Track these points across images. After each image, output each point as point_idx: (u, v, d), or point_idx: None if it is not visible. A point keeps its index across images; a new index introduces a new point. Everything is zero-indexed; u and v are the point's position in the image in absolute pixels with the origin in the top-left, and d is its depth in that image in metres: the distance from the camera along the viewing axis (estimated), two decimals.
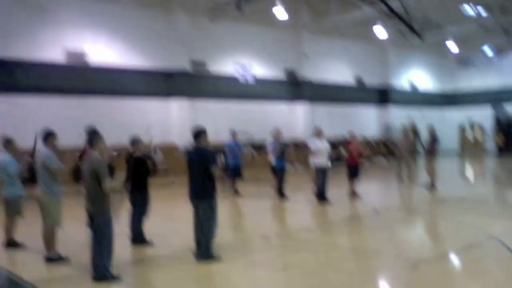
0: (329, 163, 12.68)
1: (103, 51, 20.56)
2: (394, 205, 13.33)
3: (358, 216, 11.05)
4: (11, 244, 8.25)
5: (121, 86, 20.91)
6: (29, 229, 8.53)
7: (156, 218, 9.08)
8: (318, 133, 12.73)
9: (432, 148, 15.30)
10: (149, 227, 8.49)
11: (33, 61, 18.55)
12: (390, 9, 20.50)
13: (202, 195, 7.14)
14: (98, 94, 20.19)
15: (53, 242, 7.32)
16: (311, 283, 6.13)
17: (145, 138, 10.06)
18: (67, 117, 18.43)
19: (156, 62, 22.09)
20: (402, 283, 6.10)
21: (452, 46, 31.45)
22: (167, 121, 22.06)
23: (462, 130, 36.52)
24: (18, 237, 8.37)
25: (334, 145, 13.53)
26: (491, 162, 29.08)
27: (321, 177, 12.51)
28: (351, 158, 13.51)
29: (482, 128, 35.75)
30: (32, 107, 18.31)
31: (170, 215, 11.42)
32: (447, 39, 31.11)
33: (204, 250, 7.14)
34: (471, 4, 27.43)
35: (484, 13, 27.59)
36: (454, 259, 6.98)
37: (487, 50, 30.10)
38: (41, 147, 7.54)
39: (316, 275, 6.44)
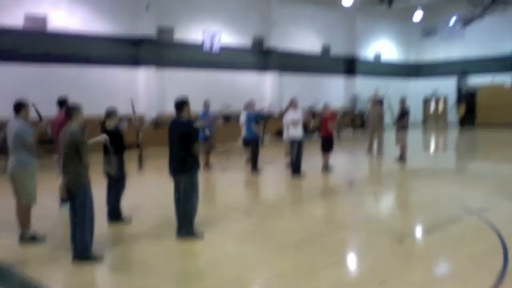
0: (303, 135, 12.59)
1: (66, 16, 19.66)
2: (368, 177, 13.40)
3: (334, 189, 11.02)
4: None
5: (84, 53, 20.12)
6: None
7: (133, 193, 8.81)
8: (294, 105, 12.56)
9: (403, 120, 15.39)
10: (127, 202, 8.22)
11: None
12: None
13: (183, 170, 6.89)
14: (60, 62, 19.38)
15: (28, 220, 6.95)
16: (296, 256, 6.06)
17: (130, 113, 9.71)
18: (26, 86, 17.60)
19: (122, 29, 21.34)
20: (391, 257, 6.07)
21: (418, 15, 31.61)
22: (134, 90, 21.45)
23: (426, 101, 37.01)
24: None
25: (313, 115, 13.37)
26: (454, 134, 29.68)
27: (295, 149, 12.39)
28: (325, 130, 13.44)
29: (446, 100, 36.34)
30: None
31: (148, 190, 11.14)
32: (414, 8, 31.23)
33: (186, 226, 6.95)
34: None
35: None
36: (438, 234, 7.00)
37: (453, 20, 30.33)
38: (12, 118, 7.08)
39: (299, 249, 6.38)
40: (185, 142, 6.81)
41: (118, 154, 7.75)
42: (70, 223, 6.05)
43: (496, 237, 6.74)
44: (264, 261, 5.94)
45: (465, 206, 8.65)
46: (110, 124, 7.82)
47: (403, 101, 15.75)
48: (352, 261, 6.04)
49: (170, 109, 21.79)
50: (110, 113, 7.89)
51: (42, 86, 17.87)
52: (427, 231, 7.10)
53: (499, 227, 7.17)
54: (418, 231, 7.04)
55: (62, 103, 8.74)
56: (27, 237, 6.86)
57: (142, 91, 21.71)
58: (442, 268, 5.78)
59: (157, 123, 21.43)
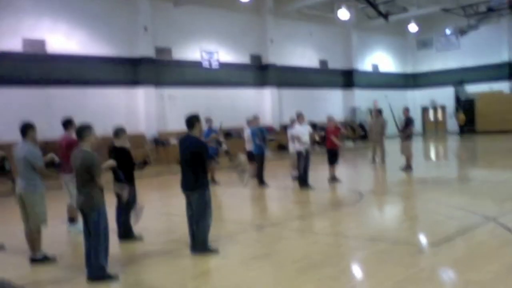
0: (310, 148, 12.48)
1: (64, 39, 19.70)
2: (376, 188, 13.26)
3: (344, 202, 10.87)
4: None
5: (83, 75, 20.11)
6: (7, 228, 7.97)
7: (144, 211, 8.63)
8: (300, 118, 12.48)
9: (408, 130, 15.31)
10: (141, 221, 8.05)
11: None
12: None
13: (196, 186, 6.74)
14: (59, 84, 19.33)
15: (39, 242, 6.78)
16: (319, 277, 5.87)
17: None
18: (27, 108, 17.61)
19: (120, 50, 21.37)
20: (413, 268, 5.91)
21: (413, 28, 31.80)
22: (133, 110, 21.41)
23: (424, 111, 37.03)
24: None
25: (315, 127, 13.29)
26: (455, 141, 29.63)
27: (303, 162, 12.26)
28: (330, 142, 13.36)
29: (444, 109, 36.38)
30: None
31: (158, 208, 10.95)
32: (409, 21, 31.46)
33: (201, 244, 6.78)
34: None
35: None
36: (459, 243, 6.85)
37: (448, 32, 30.52)
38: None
39: (320, 269, 6.19)
40: (197, 160, 6.68)
41: (127, 171, 7.58)
42: (84, 243, 5.88)
43: None
44: (285, 283, 5.62)
45: (480, 214, 8.51)
46: (119, 142, 7.68)
47: (407, 111, 15.71)
48: (377, 280, 5.71)
49: (170, 128, 21.98)
50: (119, 132, 7.76)
51: (42, 109, 17.83)
52: (447, 240, 6.93)
53: None
54: (439, 241, 6.86)
55: (67, 123, 8.58)
56: (38, 259, 6.68)
57: (142, 111, 21.64)
58: (469, 281, 5.58)
59: (157, 141, 21.29)
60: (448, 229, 7.57)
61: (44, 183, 6.83)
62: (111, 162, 6.61)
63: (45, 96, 18.73)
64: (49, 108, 18.02)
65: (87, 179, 5.72)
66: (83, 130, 5.88)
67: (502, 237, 7.07)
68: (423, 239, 7.14)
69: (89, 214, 5.77)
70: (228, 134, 21.43)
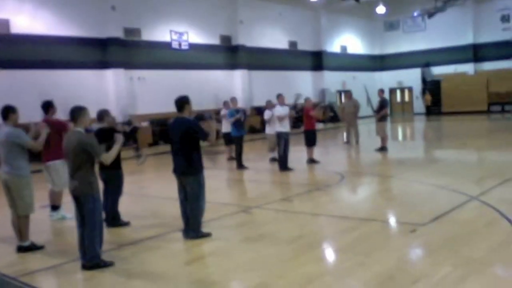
0: (289, 129, 12.44)
1: (29, 19, 18.98)
2: (355, 169, 13.34)
3: (326, 183, 10.88)
4: None
5: (50, 56, 19.49)
6: None
7: (131, 196, 8.50)
8: (280, 99, 12.40)
9: (382, 111, 15.44)
10: (124, 206, 7.88)
11: None
12: None
13: (190, 170, 6.59)
14: (25, 66, 18.67)
15: (26, 229, 6.53)
16: (317, 258, 5.87)
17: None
18: None
19: (88, 30, 20.77)
20: (409, 247, 5.97)
21: (381, 10, 32.04)
22: (103, 92, 20.90)
23: (391, 92, 37.49)
24: None
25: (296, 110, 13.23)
26: (423, 122, 30.16)
27: (282, 143, 12.22)
28: (308, 124, 13.34)
29: (410, 90, 36.93)
30: None
31: (136, 191, 10.73)
32: (377, 3, 31.66)
33: (194, 228, 6.66)
34: None
35: None
36: (447, 221, 6.94)
37: (416, 14, 30.86)
38: None
39: (317, 249, 6.19)
40: (189, 142, 6.53)
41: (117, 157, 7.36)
42: (78, 231, 5.70)
43: (498, 215, 6.75)
44: (286, 264, 5.53)
45: (462, 192, 8.66)
46: (110, 123, 7.49)
47: (381, 92, 15.85)
48: (377, 259, 5.68)
49: (141, 111, 21.60)
50: (103, 114, 7.56)
51: (7, 92, 17.12)
52: (435, 219, 7.01)
53: (502, 209, 7.19)
54: (428, 220, 6.94)
55: (47, 106, 8.25)
56: (26, 246, 6.45)
57: (112, 93, 21.17)
58: (467, 258, 5.64)
59: (129, 124, 20.87)
60: (434, 208, 7.66)
61: (29, 167, 6.57)
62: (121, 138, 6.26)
63: (10, 79, 18.06)
64: (15, 91, 17.37)
65: (82, 162, 5.51)
66: (76, 112, 5.65)
67: (487, 215, 7.19)
68: (412, 218, 7.19)
69: (84, 200, 5.57)
70: (201, 116, 21.19)
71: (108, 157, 5.79)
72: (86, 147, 5.47)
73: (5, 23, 18.20)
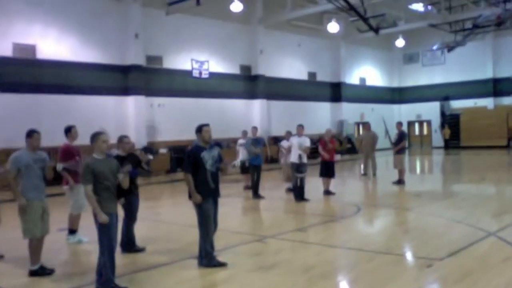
0: (305, 160, 12.43)
1: (54, 44, 19.48)
2: (372, 201, 13.28)
3: (344, 214, 10.84)
4: None
5: (73, 81, 19.89)
6: (7, 236, 7.77)
7: (147, 222, 8.55)
8: (300, 130, 12.43)
9: (401, 143, 15.40)
10: (140, 232, 7.94)
11: None
12: (350, 6, 20.49)
13: (190, 197, 6.68)
14: (48, 90, 19.08)
15: (35, 252, 6.54)
16: (331, 284, 5.85)
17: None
18: (16, 114, 17.40)
19: (110, 57, 21.21)
20: (423, 281, 5.91)
21: (400, 42, 32.23)
22: (123, 118, 21.18)
23: (410, 125, 37.37)
24: None
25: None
26: (441, 157, 29.92)
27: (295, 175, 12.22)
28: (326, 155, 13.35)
29: (429, 123, 36.79)
30: None
31: (153, 216, 10.80)
32: (396, 36, 31.89)
33: (204, 256, 6.65)
34: (420, 2, 28.21)
35: (432, 10, 28.44)
36: (463, 256, 6.86)
37: (435, 47, 30.94)
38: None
39: (330, 277, 6.17)
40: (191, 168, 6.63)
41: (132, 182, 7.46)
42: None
43: None
44: None
45: (480, 228, 8.56)
46: (125, 149, 7.60)
47: (400, 125, 15.85)
48: None
49: (160, 137, 21.83)
50: (120, 140, 7.69)
51: (30, 115, 17.51)
52: (452, 254, 6.94)
53: None
54: (444, 254, 6.87)
55: (66, 131, 8.47)
56: (33, 271, 6.47)
57: (132, 119, 21.44)
58: None
59: (147, 151, 21.08)
60: (451, 243, 7.59)
61: (37, 191, 6.51)
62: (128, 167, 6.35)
63: (34, 102, 18.46)
64: (38, 114, 17.74)
65: (95, 187, 5.64)
66: (91, 138, 5.80)
67: (505, 251, 7.11)
68: (428, 252, 7.12)
69: (96, 222, 5.68)
70: (217, 144, 21.34)
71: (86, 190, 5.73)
72: (93, 172, 5.62)
73: (31, 48, 18.70)
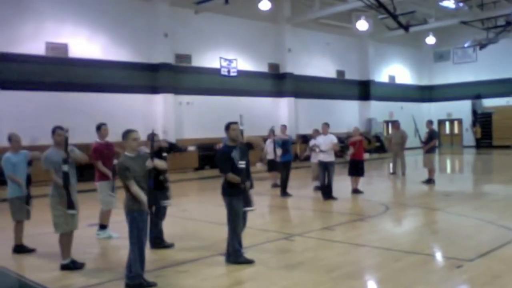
0: (333, 159, 12.39)
1: (85, 43, 19.85)
2: (401, 200, 13.17)
3: (371, 213, 10.75)
4: (20, 249, 7.65)
5: (103, 79, 20.24)
6: (42, 230, 7.95)
7: (175, 219, 8.64)
8: (324, 128, 12.42)
9: (431, 142, 15.21)
10: (168, 228, 8.04)
11: (13, 54, 17.71)
12: (379, 3, 20.32)
13: (222, 192, 6.79)
14: (80, 88, 19.45)
15: (66, 247, 6.71)
16: (358, 284, 5.83)
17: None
18: (48, 111, 17.73)
19: (140, 55, 21.48)
20: (453, 282, 5.85)
21: (431, 40, 31.76)
22: (151, 116, 21.42)
23: (440, 124, 36.83)
24: (29, 241, 7.80)
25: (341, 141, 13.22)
26: (472, 156, 29.42)
27: (326, 173, 12.19)
28: (355, 154, 13.28)
29: (460, 122, 36.19)
30: (12, 101, 17.50)
31: (181, 214, 10.90)
32: (426, 33, 31.44)
33: (232, 253, 6.71)
34: None
35: (463, 7, 27.95)
36: (494, 258, 6.75)
37: (467, 45, 30.40)
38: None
39: (357, 276, 6.16)
40: (221, 167, 6.76)
41: (158, 175, 7.52)
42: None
43: None
44: None
45: (510, 229, 8.41)
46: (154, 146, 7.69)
47: (430, 123, 15.66)
48: None
49: (188, 135, 22.03)
50: (151, 136, 7.77)
51: (61, 112, 17.84)
52: (482, 255, 6.83)
53: None
54: (473, 256, 6.77)
55: (96, 128, 8.65)
56: (64, 265, 6.64)
57: (160, 117, 21.66)
58: None
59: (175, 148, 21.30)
60: (481, 244, 7.48)
61: (57, 189, 6.61)
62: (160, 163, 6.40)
63: (65, 100, 18.84)
64: (69, 112, 18.07)
65: (124, 183, 5.75)
66: (122, 135, 5.90)
67: None
68: (457, 253, 7.03)
69: (126, 217, 5.79)
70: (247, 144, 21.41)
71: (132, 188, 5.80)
72: (117, 171, 5.71)
73: (64, 47, 19.08)
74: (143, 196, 5.69)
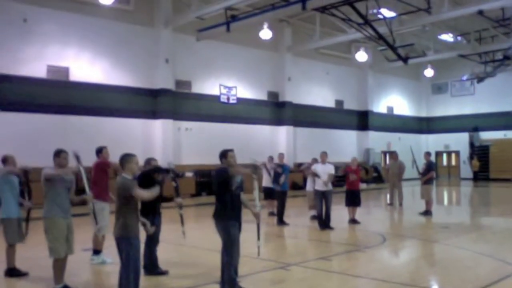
0: (330, 188, 12.33)
1: (87, 67, 19.97)
2: (398, 231, 13.09)
3: (369, 243, 10.67)
4: (13, 272, 7.54)
5: (103, 103, 20.29)
6: (34, 254, 7.86)
7: (170, 245, 8.56)
8: (324, 158, 12.40)
9: (429, 174, 15.19)
10: (163, 254, 7.95)
11: (15, 76, 17.80)
12: (379, 35, 20.55)
13: (216, 217, 6.67)
14: (80, 112, 19.48)
15: (58, 271, 6.62)
16: None
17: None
18: (48, 134, 17.76)
19: (140, 80, 21.61)
20: None
21: (429, 72, 32.07)
22: (150, 141, 21.44)
23: (438, 155, 36.88)
24: (21, 264, 7.69)
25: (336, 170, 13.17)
26: (470, 188, 29.38)
27: (320, 202, 12.13)
28: (352, 183, 13.25)
29: (457, 154, 36.26)
30: (12, 123, 17.50)
31: (177, 240, 10.79)
32: (425, 66, 31.77)
33: (226, 281, 6.59)
34: (450, 33, 28.12)
35: (462, 41, 28.33)
36: None
37: (465, 78, 30.68)
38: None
39: None
40: (216, 189, 6.66)
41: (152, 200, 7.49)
42: (119, 274, 5.78)
43: None
44: None
45: (509, 262, 8.34)
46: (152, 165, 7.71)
47: (428, 155, 15.70)
48: None
49: (186, 161, 21.99)
50: (151, 162, 7.77)
51: (61, 135, 17.83)
52: None
53: None
54: None
55: (98, 152, 8.65)
56: None
57: (159, 142, 21.67)
58: None
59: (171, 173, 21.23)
60: (479, 277, 7.42)
61: (62, 209, 6.63)
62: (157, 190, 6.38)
63: (65, 123, 18.88)
64: (69, 135, 18.06)
65: (122, 208, 5.69)
66: (124, 158, 5.88)
67: None
68: (455, 285, 6.96)
69: (121, 243, 5.70)
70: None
71: (140, 194, 5.77)
72: (121, 191, 5.66)
73: (65, 70, 19.19)
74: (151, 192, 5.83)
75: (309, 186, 13.68)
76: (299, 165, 25.19)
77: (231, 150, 6.83)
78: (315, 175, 12.27)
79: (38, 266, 7.72)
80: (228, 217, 6.60)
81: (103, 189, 8.34)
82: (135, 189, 5.68)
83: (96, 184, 8.29)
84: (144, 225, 6.80)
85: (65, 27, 19.24)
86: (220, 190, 6.63)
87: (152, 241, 7.68)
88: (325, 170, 12.19)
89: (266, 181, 14.45)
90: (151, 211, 7.43)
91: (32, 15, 18.28)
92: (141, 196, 5.77)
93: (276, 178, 13.31)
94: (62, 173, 6.65)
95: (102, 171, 8.39)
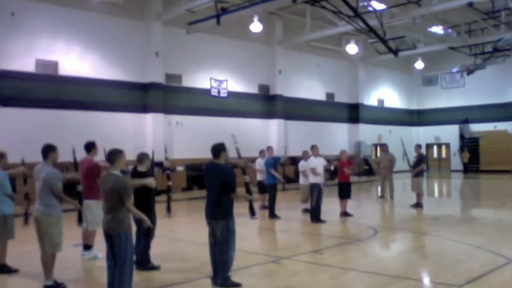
0: (323, 181, 12.36)
1: (76, 61, 19.79)
2: (389, 224, 13.14)
3: (360, 236, 10.70)
4: (3, 269, 7.48)
5: (93, 98, 20.11)
6: (23, 250, 7.80)
7: (162, 239, 8.51)
8: (314, 150, 12.42)
9: (419, 166, 15.25)
10: (155, 249, 7.92)
11: (2, 71, 17.60)
12: (369, 27, 20.52)
13: (221, 216, 6.59)
14: (69, 106, 19.31)
15: (51, 268, 6.62)
16: None
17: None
18: (37, 129, 17.56)
19: (131, 74, 21.45)
20: None
21: (419, 65, 32.15)
22: (141, 135, 21.33)
23: (428, 148, 37.02)
24: (11, 260, 7.63)
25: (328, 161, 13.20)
26: (460, 181, 29.55)
27: (315, 195, 12.15)
28: (342, 176, 13.27)
29: (448, 146, 36.44)
30: (0, 118, 17.32)
31: (168, 234, 10.77)
32: (415, 58, 31.83)
33: (221, 276, 6.61)
34: (440, 25, 28.17)
35: (452, 33, 28.40)
36: (485, 284, 6.71)
37: (455, 70, 30.76)
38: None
39: None
40: (225, 189, 6.56)
41: (145, 196, 7.50)
42: (107, 269, 5.75)
43: None
44: None
45: (500, 254, 8.39)
46: (142, 168, 7.62)
47: (419, 147, 15.75)
48: None
49: (177, 155, 21.91)
50: (142, 157, 7.71)
51: (51, 130, 17.68)
52: (471, 280, 6.79)
53: None
54: (462, 281, 6.72)
55: (89, 147, 8.54)
56: (48, 286, 6.51)
57: (150, 137, 21.55)
58: None
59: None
60: (470, 269, 7.45)
61: (61, 206, 6.72)
62: (150, 181, 6.37)
63: (55, 118, 18.70)
64: (59, 130, 17.91)
65: (116, 203, 5.64)
66: (114, 154, 5.83)
67: None
68: (446, 278, 6.98)
69: (116, 238, 5.65)
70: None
71: (129, 206, 5.78)
72: (120, 191, 5.60)
73: (54, 64, 19.00)
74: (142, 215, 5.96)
75: (302, 180, 13.66)
76: (291, 158, 25.21)
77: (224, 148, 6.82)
78: (316, 173, 12.27)
79: (28, 262, 7.66)
80: (232, 214, 6.68)
81: (95, 189, 8.25)
82: (128, 198, 5.73)
83: (88, 185, 8.22)
84: (140, 220, 6.83)
85: (53, 20, 19.04)
86: (232, 188, 6.59)
87: (147, 236, 7.64)
88: (319, 163, 12.24)
89: (259, 176, 14.47)
90: (146, 207, 7.37)
91: (19, 8, 18.05)
92: (128, 207, 5.79)
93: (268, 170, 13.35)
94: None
95: (94, 175, 8.27)
